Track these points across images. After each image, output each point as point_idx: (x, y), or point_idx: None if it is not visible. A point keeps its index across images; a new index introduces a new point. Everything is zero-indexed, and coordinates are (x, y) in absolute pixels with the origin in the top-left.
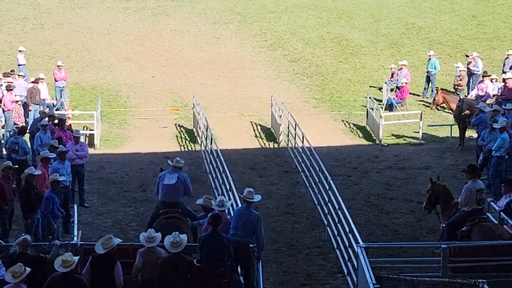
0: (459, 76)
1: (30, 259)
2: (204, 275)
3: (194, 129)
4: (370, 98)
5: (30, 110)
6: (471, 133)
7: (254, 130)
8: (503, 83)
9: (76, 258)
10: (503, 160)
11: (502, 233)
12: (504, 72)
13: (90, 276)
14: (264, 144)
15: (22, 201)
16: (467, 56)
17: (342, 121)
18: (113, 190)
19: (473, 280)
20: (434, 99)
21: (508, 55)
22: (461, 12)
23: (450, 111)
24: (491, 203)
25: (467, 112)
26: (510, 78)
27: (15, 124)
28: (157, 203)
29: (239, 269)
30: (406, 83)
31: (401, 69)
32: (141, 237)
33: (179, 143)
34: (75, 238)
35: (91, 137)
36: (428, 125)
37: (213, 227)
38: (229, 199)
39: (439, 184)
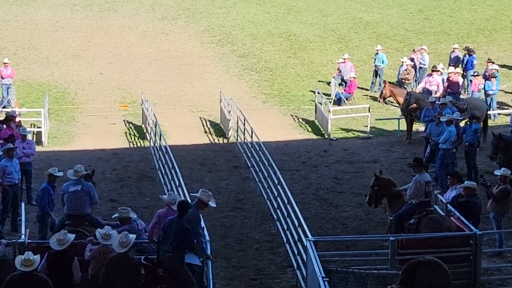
0: (406, 70)
1: None
2: (152, 273)
3: (143, 126)
4: (318, 92)
5: None
6: (418, 126)
7: (203, 126)
8: (447, 77)
9: (37, 257)
10: (450, 153)
11: (449, 225)
12: (450, 66)
13: (47, 273)
14: (214, 139)
15: None
16: (413, 51)
17: (291, 116)
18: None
19: None
20: (382, 93)
21: (454, 48)
22: (408, 6)
23: (397, 105)
24: (438, 195)
25: (414, 105)
26: (453, 72)
27: None
28: (63, 215)
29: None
30: (354, 77)
31: (344, 62)
32: (97, 233)
33: (128, 139)
34: (23, 237)
35: (38, 134)
36: (376, 119)
37: (180, 213)
38: (179, 195)
39: (383, 178)
